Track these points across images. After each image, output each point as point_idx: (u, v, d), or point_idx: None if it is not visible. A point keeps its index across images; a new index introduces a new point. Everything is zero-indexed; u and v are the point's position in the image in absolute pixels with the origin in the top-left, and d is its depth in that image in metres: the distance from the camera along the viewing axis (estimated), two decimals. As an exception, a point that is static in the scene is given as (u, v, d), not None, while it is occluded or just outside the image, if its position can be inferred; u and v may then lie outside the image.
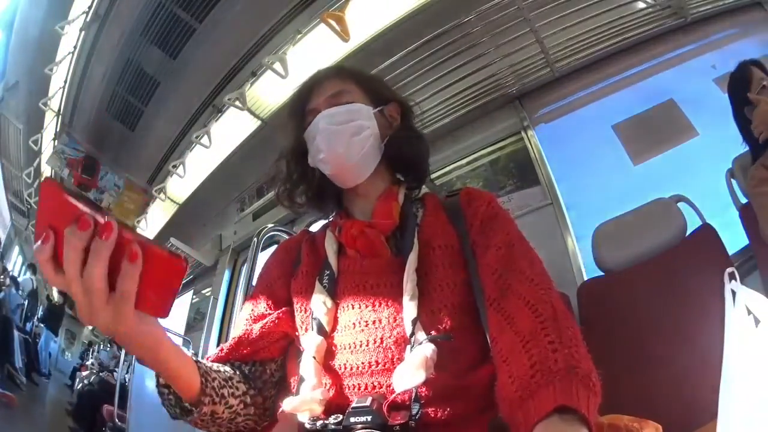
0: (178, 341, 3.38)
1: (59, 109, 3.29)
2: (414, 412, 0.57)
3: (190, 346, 3.25)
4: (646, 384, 1.10)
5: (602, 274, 1.45)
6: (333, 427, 0.57)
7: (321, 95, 0.78)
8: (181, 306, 4.07)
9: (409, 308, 0.63)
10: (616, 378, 1.13)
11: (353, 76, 0.81)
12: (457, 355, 0.63)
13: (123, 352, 3.18)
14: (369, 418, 0.55)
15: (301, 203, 0.83)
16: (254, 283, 0.85)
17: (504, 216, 0.72)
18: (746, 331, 0.78)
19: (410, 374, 0.57)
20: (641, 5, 1.92)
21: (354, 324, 0.66)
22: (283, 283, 0.76)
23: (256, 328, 0.71)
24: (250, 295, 0.80)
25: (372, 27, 2.06)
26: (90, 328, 6.41)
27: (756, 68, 1.34)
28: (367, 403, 0.57)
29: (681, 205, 1.42)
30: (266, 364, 0.73)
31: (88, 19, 2.70)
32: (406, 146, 0.79)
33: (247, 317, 0.75)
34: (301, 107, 0.80)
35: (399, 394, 0.58)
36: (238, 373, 0.69)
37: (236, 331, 0.73)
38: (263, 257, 1.38)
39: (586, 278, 1.67)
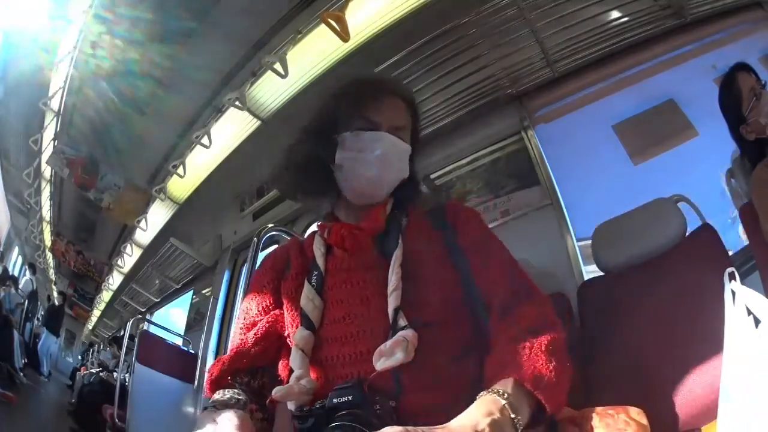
0: (178, 341, 3.38)
1: (59, 109, 3.28)
2: (395, 391, 0.60)
3: (190, 345, 3.25)
4: (646, 384, 1.10)
5: (602, 274, 1.45)
6: (318, 411, 0.60)
7: (386, 113, 0.78)
8: (181, 306, 4.07)
9: (393, 299, 0.66)
10: (615, 378, 1.13)
11: (414, 114, 0.84)
12: (440, 347, 0.66)
13: (123, 352, 3.17)
14: (351, 397, 0.58)
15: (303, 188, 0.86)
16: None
17: (490, 234, 0.82)
18: (746, 331, 0.78)
19: (389, 354, 0.60)
20: (641, 5, 1.91)
21: (343, 318, 0.69)
22: (273, 288, 0.79)
23: (250, 336, 0.74)
24: (241, 306, 0.83)
25: (372, 27, 2.06)
26: (90, 328, 6.40)
27: (743, 74, 1.29)
28: (349, 384, 0.60)
29: (681, 205, 1.42)
30: (267, 370, 0.76)
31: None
32: (409, 193, 0.84)
33: (241, 326, 0.78)
34: (358, 99, 0.79)
35: (379, 372, 0.61)
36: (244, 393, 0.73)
37: (233, 341, 0.76)
38: (263, 257, 1.38)
39: (586, 278, 1.67)
